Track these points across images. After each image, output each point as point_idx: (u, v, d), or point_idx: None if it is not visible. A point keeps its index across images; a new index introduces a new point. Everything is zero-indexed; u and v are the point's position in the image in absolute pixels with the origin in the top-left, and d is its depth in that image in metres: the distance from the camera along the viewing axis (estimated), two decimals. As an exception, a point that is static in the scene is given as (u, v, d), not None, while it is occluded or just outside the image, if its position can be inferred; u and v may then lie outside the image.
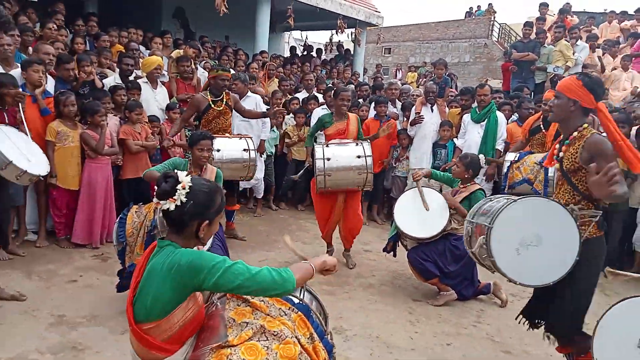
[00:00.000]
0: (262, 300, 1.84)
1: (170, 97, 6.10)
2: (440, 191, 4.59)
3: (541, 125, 5.34)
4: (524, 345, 3.56)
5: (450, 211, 4.19)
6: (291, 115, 6.89)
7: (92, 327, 3.25)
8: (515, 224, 2.54)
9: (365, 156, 4.47)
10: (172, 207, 1.74)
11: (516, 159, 5.34)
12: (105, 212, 4.76)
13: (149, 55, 6.62)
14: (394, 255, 4.54)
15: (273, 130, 6.58)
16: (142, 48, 7.37)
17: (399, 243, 4.41)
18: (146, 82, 5.73)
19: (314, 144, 4.85)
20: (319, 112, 6.19)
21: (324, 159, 4.42)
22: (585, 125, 2.60)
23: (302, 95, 7.55)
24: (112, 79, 5.58)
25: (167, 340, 1.71)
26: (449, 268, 4.12)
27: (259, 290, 1.71)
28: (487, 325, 3.85)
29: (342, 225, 4.85)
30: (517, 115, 6.08)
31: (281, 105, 6.63)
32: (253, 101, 6.06)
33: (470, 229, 2.92)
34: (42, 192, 4.61)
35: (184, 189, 1.74)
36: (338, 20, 11.27)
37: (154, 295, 1.68)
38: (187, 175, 1.78)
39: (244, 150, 4.89)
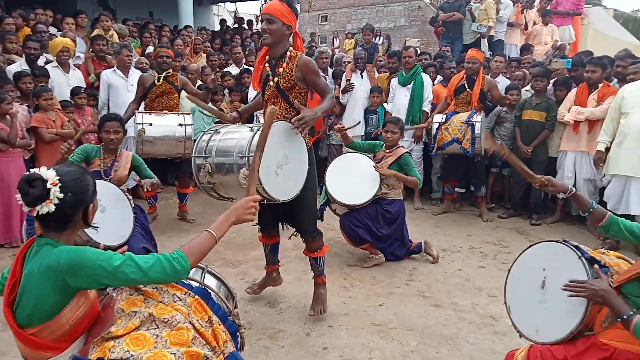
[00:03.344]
0: (155, 288, 1.78)
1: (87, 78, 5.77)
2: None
3: (465, 85, 5.46)
4: (452, 297, 3.71)
5: (380, 177, 4.24)
6: (226, 90, 6.70)
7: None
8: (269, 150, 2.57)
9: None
10: (52, 209, 1.60)
11: (443, 120, 5.45)
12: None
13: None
14: (321, 220, 4.55)
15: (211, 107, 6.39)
16: (54, 30, 6.91)
17: (327, 208, 4.43)
18: (57, 66, 5.38)
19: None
20: None
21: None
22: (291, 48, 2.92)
23: (232, 70, 7.35)
24: (19, 64, 5.19)
25: (57, 340, 1.63)
26: (381, 231, 4.20)
27: (151, 284, 1.67)
28: (419, 282, 3.97)
29: None
30: (441, 76, 6.16)
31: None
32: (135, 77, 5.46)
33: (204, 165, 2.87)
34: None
35: (55, 185, 1.60)
36: (266, -11, 10.99)
37: (36, 300, 1.58)
38: (49, 170, 1.63)
39: (179, 125, 4.75)
